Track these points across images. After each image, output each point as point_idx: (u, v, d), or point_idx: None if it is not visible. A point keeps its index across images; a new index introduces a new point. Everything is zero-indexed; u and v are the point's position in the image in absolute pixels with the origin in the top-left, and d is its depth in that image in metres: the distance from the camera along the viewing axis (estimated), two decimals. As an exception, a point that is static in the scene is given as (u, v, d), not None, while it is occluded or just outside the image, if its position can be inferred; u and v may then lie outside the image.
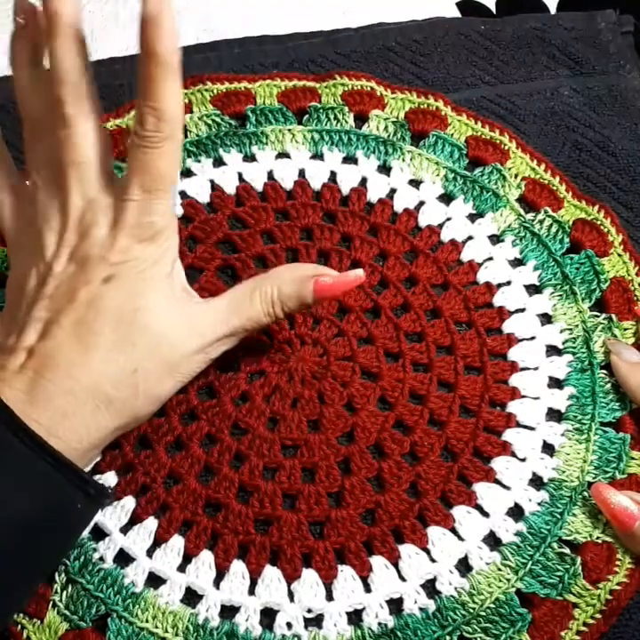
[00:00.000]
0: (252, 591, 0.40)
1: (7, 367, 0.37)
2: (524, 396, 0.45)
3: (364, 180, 0.52)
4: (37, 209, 0.40)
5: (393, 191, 0.51)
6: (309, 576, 0.40)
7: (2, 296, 0.48)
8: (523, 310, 0.48)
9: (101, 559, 0.41)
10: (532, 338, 0.47)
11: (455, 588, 0.40)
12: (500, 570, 0.41)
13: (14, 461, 0.34)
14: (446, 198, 0.51)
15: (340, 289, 0.42)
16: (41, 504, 0.35)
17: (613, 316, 0.47)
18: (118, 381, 0.38)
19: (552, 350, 0.47)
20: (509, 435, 0.44)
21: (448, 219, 0.50)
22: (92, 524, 0.41)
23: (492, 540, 0.42)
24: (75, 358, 0.37)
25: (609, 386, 0.45)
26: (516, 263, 0.49)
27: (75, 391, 0.37)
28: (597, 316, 0.47)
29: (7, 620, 0.38)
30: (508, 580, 0.40)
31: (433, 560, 0.41)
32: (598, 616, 0.40)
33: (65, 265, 0.39)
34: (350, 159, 0.52)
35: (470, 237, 0.50)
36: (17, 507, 0.34)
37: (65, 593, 0.40)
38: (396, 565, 0.41)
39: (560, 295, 0.48)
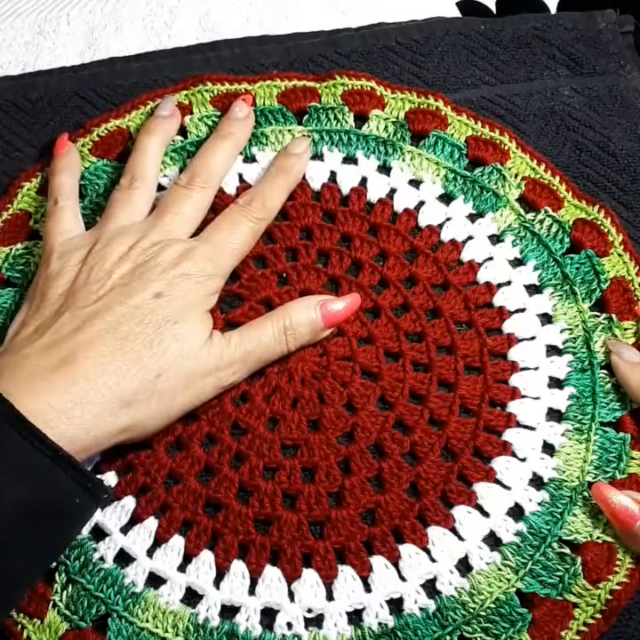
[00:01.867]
0: (252, 591, 0.40)
1: (35, 346, 0.39)
2: (524, 396, 0.45)
3: (363, 180, 0.52)
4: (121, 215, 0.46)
5: (393, 191, 0.51)
6: (310, 576, 0.41)
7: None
8: (523, 310, 0.48)
9: (102, 559, 0.41)
10: (533, 338, 0.47)
11: (455, 588, 0.40)
12: (500, 570, 0.41)
13: (12, 453, 0.35)
14: (446, 198, 0.51)
15: (347, 313, 0.45)
16: (39, 496, 0.35)
17: (614, 316, 0.47)
18: (140, 382, 0.39)
19: (552, 350, 0.47)
20: (509, 435, 0.44)
21: (448, 219, 0.50)
22: (92, 523, 0.41)
23: (493, 540, 0.42)
24: (105, 353, 0.39)
25: (609, 386, 0.45)
26: (517, 263, 0.49)
27: (96, 383, 0.38)
28: (598, 316, 0.47)
29: (5, 613, 0.38)
30: (509, 579, 0.40)
31: (433, 560, 0.41)
32: (598, 616, 0.40)
33: (125, 273, 0.43)
34: (350, 159, 0.52)
35: (470, 237, 0.50)
36: (14, 497, 0.34)
37: (65, 593, 0.40)
38: (396, 565, 0.41)
39: (560, 295, 0.48)
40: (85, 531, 0.41)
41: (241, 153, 0.52)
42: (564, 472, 0.43)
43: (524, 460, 0.43)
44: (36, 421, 0.36)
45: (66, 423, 0.37)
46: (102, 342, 0.39)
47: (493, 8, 0.63)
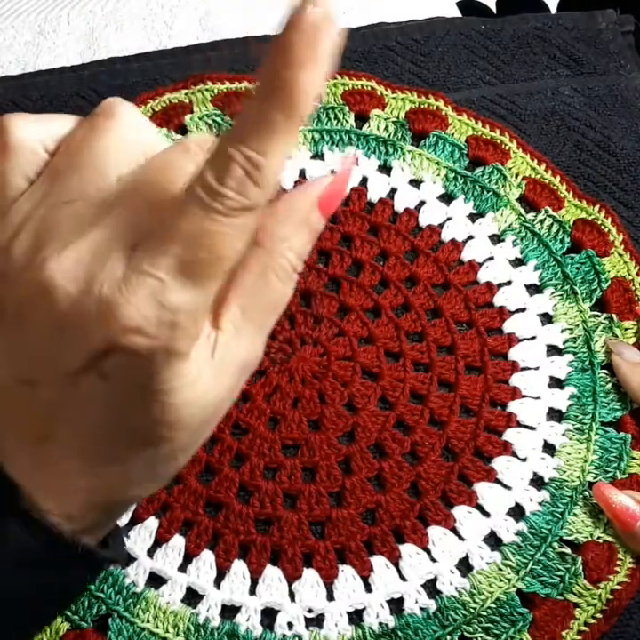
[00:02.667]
0: (252, 591, 0.40)
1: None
2: (524, 396, 0.45)
3: (364, 180, 0.52)
4: None
5: (393, 191, 0.51)
6: (310, 576, 0.40)
7: None
8: (523, 310, 0.48)
9: (102, 559, 0.41)
10: (533, 338, 0.47)
11: (456, 588, 0.40)
12: (500, 569, 0.41)
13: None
14: (447, 198, 0.51)
15: (342, 190, 0.30)
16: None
17: (614, 316, 0.47)
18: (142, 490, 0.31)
19: (553, 350, 0.47)
20: (510, 434, 0.44)
21: (448, 218, 0.50)
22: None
23: (493, 540, 0.42)
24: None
25: (610, 385, 0.45)
26: (517, 263, 0.49)
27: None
28: (598, 316, 0.47)
29: None
30: (509, 579, 0.40)
31: (433, 560, 0.41)
32: (599, 616, 0.40)
33: None
34: (351, 159, 0.52)
35: (471, 237, 0.50)
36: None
37: (66, 593, 0.40)
38: (396, 565, 0.41)
39: (561, 295, 0.48)
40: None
41: None
42: (564, 472, 0.43)
43: (524, 459, 0.43)
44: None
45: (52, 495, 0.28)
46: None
47: (493, 8, 0.63)
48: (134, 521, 0.42)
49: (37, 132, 0.29)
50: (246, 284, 0.28)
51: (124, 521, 0.41)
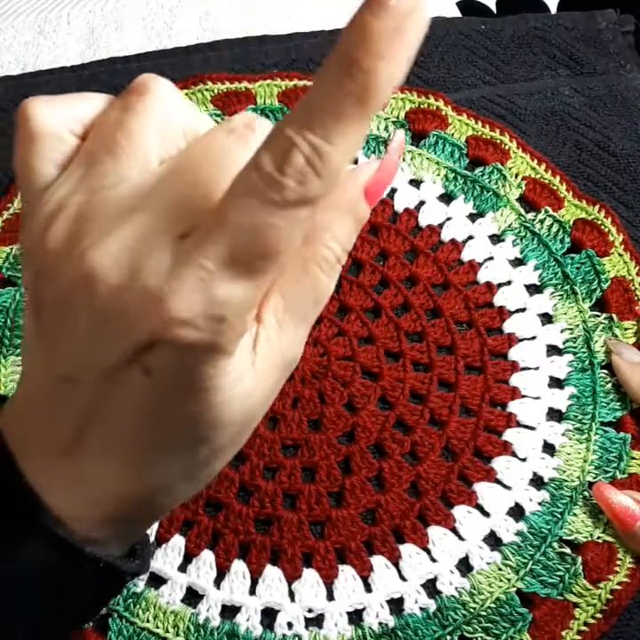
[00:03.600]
0: (252, 591, 0.40)
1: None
2: (524, 396, 0.45)
3: (364, 180, 0.52)
4: None
5: (393, 191, 0.51)
6: (310, 576, 0.40)
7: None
8: (523, 310, 0.48)
9: (102, 559, 0.41)
10: (533, 337, 0.47)
11: (456, 588, 0.40)
12: (500, 569, 0.41)
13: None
14: (447, 198, 0.51)
15: (390, 177, 0.28)
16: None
17: (614, 316, 0.47)
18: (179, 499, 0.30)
19: (553, 350, 0.47)
20: (510, 434, 0.44)
21: (448, 218, 0.50)
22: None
23: (493, 540, 0.42)
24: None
25: (609, 386, 0.45)
26: (517, 263, 0.49)
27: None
28: (598, 316, 0.47)
29: None
30: (509, 579, 0.40)
31: (433, 560, 0.41)
32: (599, 616, 0.40)
33: None
34: (351, 159, 0.52)
35: (471, 237, 0.50)
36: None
37: (65, 593, 0.40)
38: (396, 565, 0.41)
39: (561, 295, 0.48)
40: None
41: None
42: (564, 472, 0.43)
43: (524, 459, 0.43)
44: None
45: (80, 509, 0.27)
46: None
47: (493, 8, 0.63)
48: (134, 521, 0.42)
49: (63, 117, 0.27)
50: (288, 275, 0.26)
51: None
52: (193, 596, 0.40)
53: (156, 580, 0.41)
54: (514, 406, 0.45)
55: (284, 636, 0.39)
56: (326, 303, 0.28)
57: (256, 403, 0.27)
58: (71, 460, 0.27)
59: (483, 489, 0.42)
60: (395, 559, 0.41)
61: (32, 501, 0.26)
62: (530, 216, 0.50)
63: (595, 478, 0.43)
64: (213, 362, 0.24)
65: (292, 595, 0.40)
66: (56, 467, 0.27)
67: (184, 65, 0.57)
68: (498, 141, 0.53)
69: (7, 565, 0.26)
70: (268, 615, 0.40)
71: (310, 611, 0.40)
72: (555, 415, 0.45)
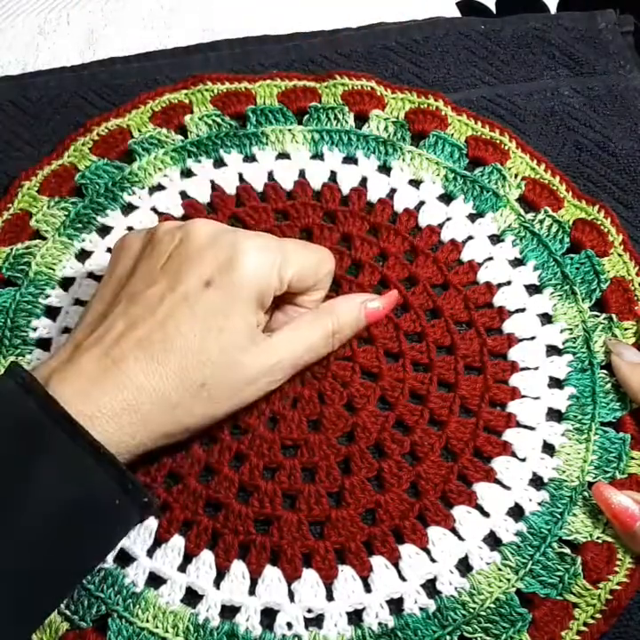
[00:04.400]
0: (252, 591, 0.40)
1: (86, 346, 0.38)
2: (524, 396, 0.45)
3: (364, 180, 0.52)
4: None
5: (393, 191, 0.51)
6: (310, 576, 0.41)
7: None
8: (523, 310, 0.48)
9: (102, 559, 0.41)
10: (533, 338, 0.47)
11: (455, 588, 0.40)
12: (500, 570, 0.41)
13: (57, 452, 0.34)
14: (446, 198, 0.51)
15: (387, 310, 0.46)
16: (81, 495, 0.34)
17: (614, 316, 0.47)
18: (185, 390, 0.38)
19: (552, 350, 0.47)
20: (509, 435, 0.44)
21: (448, 219, 0.50)
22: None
23: (493, 540, 0.42)
24: (154, 356, 0.38)
25: (609, 386, 0.45)
26: (517, 263, 0.49)
27: (145, 389, 0.37)
28: (598, 316, 0.47)
29: (48, 613, 0.37)
30: (509, 579, 0.40)
31: (433, 560, 0.41)
32: (599, 616, 0.40)
33: (175, 261, 0.40)
34: (350, 159, 0.52)
35: (470, 237, 0.50)
36: (57, 496, 0.34)
37: (65, 593, 0.40)
38: (396, 565, 0.41)
39: (560, 295, 0.48)
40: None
41: (241, 152, 0.52)
42: (564, 472, 0.43)
43: (524, 459, 0.43)
44: (85, 424, 0.35)
45: (113, 428, 0.36)
46: (150, 343, 0.38)
47: (493, 8, 0.63)
48: (134, 521, 0.42)
49: None
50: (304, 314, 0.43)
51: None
52: (192, 597, 0.40)
53: (156, 580, 0.41)
54: (513, 406, 0.45)
55: (283, 636, 0.39)
56: (314, 359, 0.43)
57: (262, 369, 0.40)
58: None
59: (482, 489, 0.42)
60: (394, 559, 0.41)
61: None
62: (529, 216, 0.50)
63: (594, 478, 0.43)
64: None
65: (291, 595, 0.40)
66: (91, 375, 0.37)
67: (184, 65, 0.57)
68: (497, 141, 0.53)
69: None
70: (268, 615, 0.40)
71: (310, 611, 0.40)
72: (554, 415, 0.45)
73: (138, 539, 0.41)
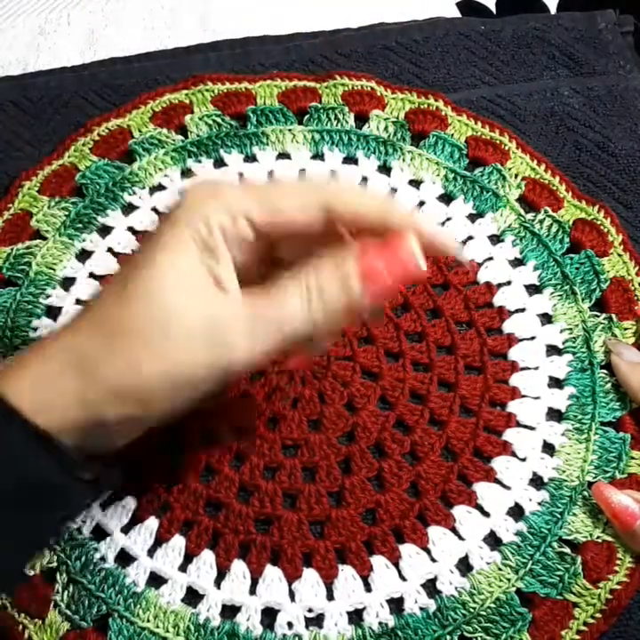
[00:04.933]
0: (252, 591, 0.40)
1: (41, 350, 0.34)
2: (524, 396, 0.45)
3: (364, 180, 0.52)
4: None
5: (393, 191, 0.51)
6: (310, 576, 0.41)
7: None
8: (523, 310, 0.48)
9: (103, 559, 0.41)
10: (533, 338, 0.47)
11: (456, 588, 0.40)
12: (500, 569, 0.41)
13: None
14: (446, 198, 0.51)
15: (397, 274, 0.33)
16: (11, 480, 0.32)
17: (613, 316, 0.47)
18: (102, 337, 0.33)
19: (552, 350, 0.47)
20: (509, 434, 0.44)
21: (448, 219, 0.50)
22: (93, 523, 0.41)
23: (493, 540, 0.42)
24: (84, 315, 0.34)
25: (609, 385, 0.45)
26: (516, 263, 0.49)
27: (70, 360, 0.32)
28: (597, 316, 0.47)
29: None
30: (509, 579, 0.40)
31: (433, 560, 0.41)
32: (599, 615, 0.40)
33: None
34: (350, 159, 0.52)
35: (470, 237, 0.50)
36: None
37: (66, 593, 0.40)
38: (396, 565, 0.41)
39: (560, 295, 0.48)
40: (86, 531, 0.41)
41: (241, 152, 0.52)
42: (563, 472, 0.43)
43: (524, 459, 0.43)
44: (35, 417, 0.32)
45: (67, 420, 0.32)
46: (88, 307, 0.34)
47: (493, 8, 0.63)
48: (135, 521, 0.42)
49: None
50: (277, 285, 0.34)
51: (124, 521, 0.42)
52: (193, 596, 0.41)
53: (157, 580, 0.41)
54: (513, 406, 0.45)
55: (284, 635, 0.39)
56: (292, 332, 0.33)
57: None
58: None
59: (482, 489, 0.43)
60: (395, 559, 0.41)
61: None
62: (529, 216, 0.50)
63: (594, 478, 0.43)
64: None
65: (292, 594, 0.40)
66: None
67: (184, 65, 0.57)
68: (497, 142, 0.53)
69: None
70: (269, 615, 0.40)
71: (310, 610, 0.40)
72: (554, 415, 0.45)
73: (138, 539, 0.41)
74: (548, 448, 0.44)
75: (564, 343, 0.47)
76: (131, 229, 0.50)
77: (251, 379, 0.45)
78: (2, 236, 0.50)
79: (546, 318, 0.48)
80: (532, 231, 0.50)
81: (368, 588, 0.40)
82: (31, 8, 0.63)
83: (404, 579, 0.41)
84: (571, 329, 0.47)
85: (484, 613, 0.40)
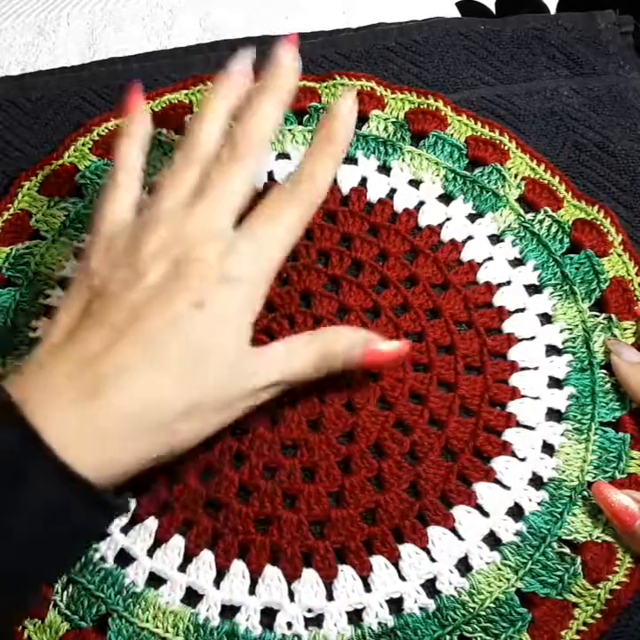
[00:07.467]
0: (252, 591, 0.40)
1: (62, 362, 0.35)
2: (523, 396, 0.45)
3: (363, 180, 0.52)
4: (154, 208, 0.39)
5: (393, 191, 0.51)
6: (309, 576, 0.41)
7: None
8: (523, 310, 0.48)
9: (102, 559, 0.41)
10: (532, 338, 0.47)
11: (455, 588, 0.40)
12: (499, 569, 0.41)
13: (32, 488, 0.32)
14: (446, 198, 0.51)
15: (389, 360, 0.42)
16: (56, 530, 0.34)
17: (613, 316, 0.47)
18: (175, 413, 0.36)
19: (552, 350, 0.47)
20: (509, 434, 0.44)
21: (448, 219, 0.50)
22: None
23: (492, 540, 0.42)
24: (140, 380, 0.35)
25: (609, 385, 0.45)
26: (516, 263, 0.49)
27: (131, 417, 0.35)
28: (597, 316, 0.47)
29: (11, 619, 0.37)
30: (508, 579, 0.40)
31: (433, 560, 0.41)
32: (598, 616, 0.40)
33: (160, 276, 0.37)
34: (350, 159, 0.52)
35: (470, 237, 0.50)
36: (29, 532, 0.33)
37: (66, 593, 0.40)
38: (396, 565, 0.41)
39: (560, 295, 0.48)
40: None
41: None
42: (563, 472, 0.43)
43: (523, 459, 0.43)
44: (63, 454, 0.33)
45: (93, 457, 0.34)
46: (135, 364, 0.35)
47: (493, 8, 0.63)
48: (134, 521, 0.42)
49: None
50: None
51: (123, 521, 0.42)
52: (192, 596, 0.41)
53: (156, 580, 0.41)
54: (513, 406, 0.45)
55: (283, 635, 0.39)
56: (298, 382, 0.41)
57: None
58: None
59: (482, 489, 0.43)
60: (394, 559, 0.41)
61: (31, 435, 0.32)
62: (529, 216, 0.50)
63: (594, 478, 0.43)
64: None
65: (291, 594, 0.40)
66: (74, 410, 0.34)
67: (184, 65, 0.57)
68: (497, 142, 0.53)
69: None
70: (268, 615, 0.40)
71: (310, 610, 0.40)
72: (554, 415, 0.45)
73: (138, 538, 0.41)
74: (548, 448, 0.44)
75: (563, 343, 0.47)
76: (130, 229, 0.50)
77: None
78: (1, 236, 0.50)
79: (545, 318, 0.48)
80: (531, 231, 0.50)
81: (367, 588, 0.40)
82: (30, 8, 0.63)
83: (403, 579, 0.41)
84: (570, 329, 0.47)
85: (483, 613, 0.40)
